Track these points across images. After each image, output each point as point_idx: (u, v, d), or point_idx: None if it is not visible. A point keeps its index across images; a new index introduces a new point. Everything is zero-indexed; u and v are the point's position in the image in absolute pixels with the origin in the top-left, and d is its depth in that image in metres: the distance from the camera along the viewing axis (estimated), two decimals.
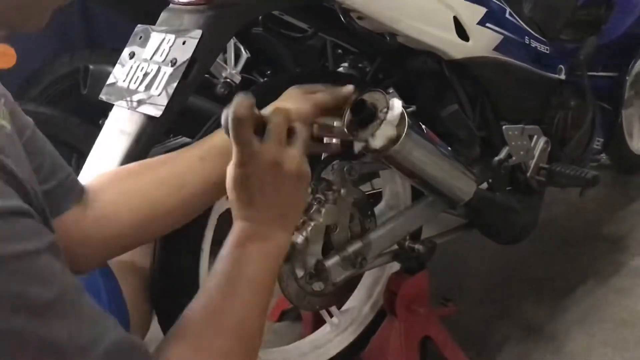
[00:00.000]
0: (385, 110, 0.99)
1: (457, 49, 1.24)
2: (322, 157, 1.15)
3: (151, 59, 0.99)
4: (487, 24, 1.28)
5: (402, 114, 0.99)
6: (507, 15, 1.36)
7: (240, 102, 0.69)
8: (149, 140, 0.95)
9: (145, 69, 0.99)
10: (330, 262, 1.14)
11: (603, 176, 1.55)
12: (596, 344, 1.54)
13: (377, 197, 1.45)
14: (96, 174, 0.92)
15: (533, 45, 1.46)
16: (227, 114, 0.70)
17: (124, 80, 1.01)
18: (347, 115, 1.00)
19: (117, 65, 1.04)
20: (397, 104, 0.99)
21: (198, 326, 0.68)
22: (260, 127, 0.72)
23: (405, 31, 1.13)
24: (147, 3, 1.18)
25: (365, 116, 0.99)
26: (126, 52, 1.05)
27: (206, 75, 1.62)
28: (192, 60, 0.95)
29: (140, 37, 1.04)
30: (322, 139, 1.06)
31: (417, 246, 1.31)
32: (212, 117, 1.04)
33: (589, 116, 1.65)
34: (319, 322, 1.42)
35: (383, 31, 1.15)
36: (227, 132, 0.71)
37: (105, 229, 0.84)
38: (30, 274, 0.50)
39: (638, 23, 1.97)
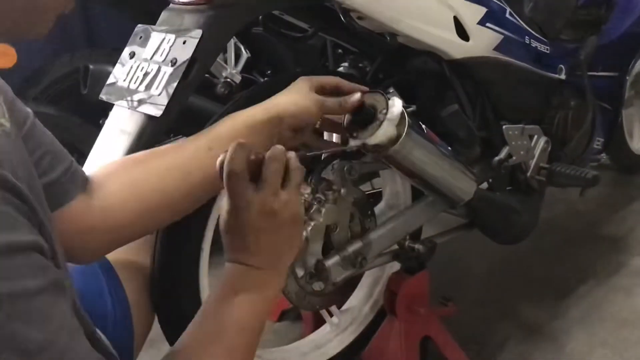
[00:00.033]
0: (384, 111, 0.99)
1: (457, 48, 1.24)
2: (322, 157, 1.15)
3: (151, 58, 0.99)
4: (488, 24, 1.28)
5: (402, 114, 0.99)
6: (507, 15, 1.36)
7: (235, 154, 0.69)
8: (149, 140, 0.95)
9: (146, 69, 0.99)
10: (330, 262, 1.14)
11: (603, 176, 1.55)
12: (596, 344, 1.55)
13: (377, 196, 1.45)
14: (100, 164, 0.92)
15: (533, 45, 1.46)
16: (222, 160, 0.70)
17: (124, 80, 1.01)
18: (347, 116, 1.00)
19: (117, 65, 1.04)
20: (397, 104, 0.99)
21: None
22: (256, 170, 0.71)
23: (405, 31, 1.13)
24: (147, 3, 1.18)
25: (364, 117, 0.99)
26: (126, 51, 1.04)
27: (206, 75, 1.62)
28: (192, 60, 0.95)
29: (141, 37, 1.04)
30: (322, 133, 1.06)
31: (417, 246, 1.31)
32: (212, 117, 1.04)
33: (589, 116, 1.65)
34: (319, 322, 1.42)
35: (383, 31, 1.15)
36: (222, 179, 0.71)
37: (111, 219, 0.83)
38: (26, 315, 0.49)
39: (638, 23, 1.97)
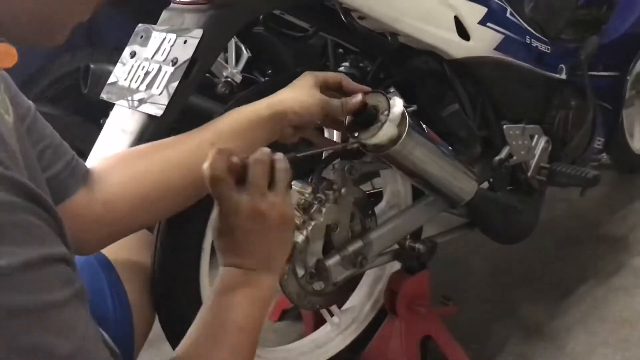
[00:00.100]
0: (386, 112, 0.99)
1: (458, 48, 1.24)
2: (323, 157, 1.15)
3: (152, 58, 0.99)
4: (488, 24, 1.28)
5: (403, 113, 0.99)
6: (508, 14, 1.36)
7: (214, 159, 0.71)
8: (150, 140, 0.95)
9: (147, 68, 0.99)
10: (330, 262, 1.14)
11: (604, 176, 1.55)
12: (597, 344, 1.54)
13: (377, 196, 1.45)
14: (104, 155, 0.92)
15: (534, 45, 1.46)
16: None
17: (125, 80, 1.01)
18: (348, 116, 1.00)
19: (118, 65, 1.04)
20: (398, 103, 0.99)
21: None
22: (242, 174, 0.73)
23: (406, 31, 1.13)
24: (148, 2, 1.18)
25: (366, 118, 0.99)
26: (127, 51, 1.04)
27: (207, 75, 1.62)
28: (193, 60, 0.95)
29: (142, 37, 1.04)
30: (323, 130, 1.06)
31: (418, 245, 1.31)
32: (213, 117, 1.04)
33: (590, 116, 1.65)
34: (319, 322, 1.43)
35: (384, 31, 1.15)
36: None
37: (113, 211, 0.83)
38: (57, 326, 0.50)
39: (639, 23, 1.97)
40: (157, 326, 1.04)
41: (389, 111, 0.98)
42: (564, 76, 1.57)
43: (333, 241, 1.15)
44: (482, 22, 1.27)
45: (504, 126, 1.41)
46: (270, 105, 0.92)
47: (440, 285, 1.57)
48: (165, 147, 0.89)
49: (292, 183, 1.08)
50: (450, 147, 1.18)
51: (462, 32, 1.23)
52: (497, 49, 1.32)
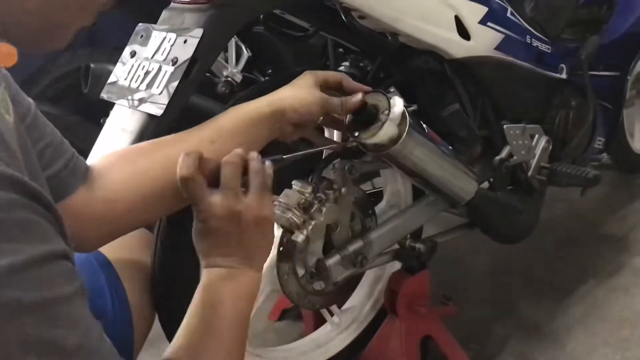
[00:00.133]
0: (387, 112, 0.99)
1: (458, 48, 1.24)
2: (323, 156, 1.15)
3: (152, 57, 0.99)
4: (489, 23, 1.28)
5: (403, 113, 0.99)
6: (508, 14, 1.36)
7: (182, 162, 0.74)
8: (150, 139, 0.95)
9: (147, 68, 0.99)
10: (331, 261, 1.14)
11: (604, 176, 1.55)
12: (597, 343, 1.55)
13: (378, 196, 1.45)
14: (104, 154, 0.92)
15: (534, 45, 1.46)
16: None
17: (125, 79, 1.01)
18: (348, 116, 1.00)
19: (118, 64, 1.04)
20: (398, 103, 0.99)
21: None
22: (217, 176, 0.75)
23: (406, 30, 1.13)
24: (148, 2, 1.18)
25: (366, 118, 0.99)
26: (127, 50, 1.04)
27: (207, 74, 1.62)
28: (193, 59, 0.95)
29: (142, 36, 1.04)
30: (323, 130, 1.06)
31: (418, 245, 1.31)
32: (213, 116, 1.04)
33: (590, 115, 1.65)
34: (319, 321, 1.42)
35: (384, 30, 1.15)
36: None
37: (113, 209, 0.84)
38: (63, 319, 0.51)
39: (639, 22, 1.97)
40: (157, 326, 1.04)
41: (389, 111, 0.98)
42: (564, 76, 1.57)
43: (333, 241, 1.15)
44: (483, 22, 1.27)
45: (505, 126, 1.41)
46: (271, 102, 0.92)
47: (440, 285, 1.57)
48: (166, 144, 0.89)
49: (292, 182, 1.08)
50: (450, 147, 1.18)
51: (463, 31, 1.23)
52: (497, 48, 1.32)
